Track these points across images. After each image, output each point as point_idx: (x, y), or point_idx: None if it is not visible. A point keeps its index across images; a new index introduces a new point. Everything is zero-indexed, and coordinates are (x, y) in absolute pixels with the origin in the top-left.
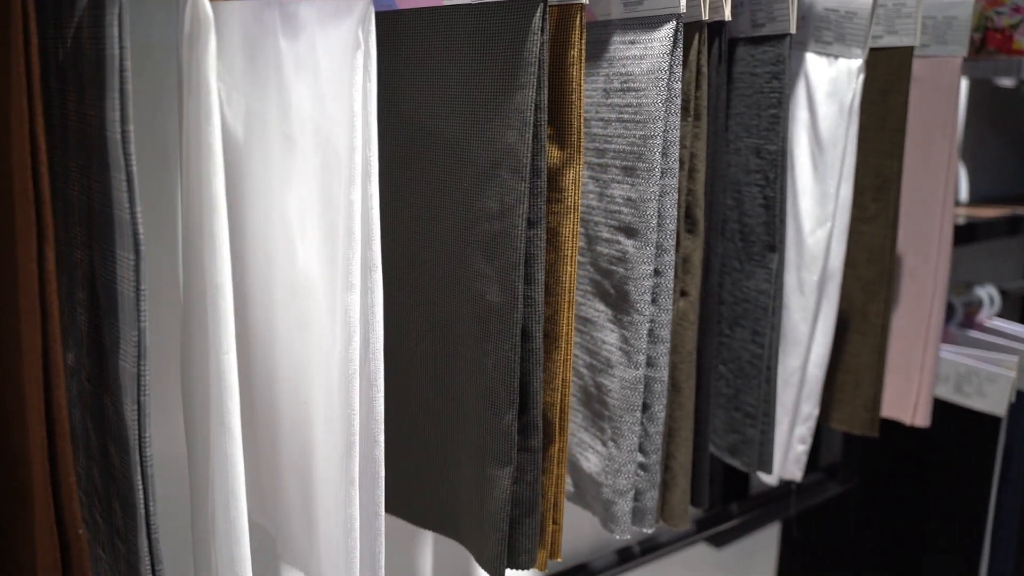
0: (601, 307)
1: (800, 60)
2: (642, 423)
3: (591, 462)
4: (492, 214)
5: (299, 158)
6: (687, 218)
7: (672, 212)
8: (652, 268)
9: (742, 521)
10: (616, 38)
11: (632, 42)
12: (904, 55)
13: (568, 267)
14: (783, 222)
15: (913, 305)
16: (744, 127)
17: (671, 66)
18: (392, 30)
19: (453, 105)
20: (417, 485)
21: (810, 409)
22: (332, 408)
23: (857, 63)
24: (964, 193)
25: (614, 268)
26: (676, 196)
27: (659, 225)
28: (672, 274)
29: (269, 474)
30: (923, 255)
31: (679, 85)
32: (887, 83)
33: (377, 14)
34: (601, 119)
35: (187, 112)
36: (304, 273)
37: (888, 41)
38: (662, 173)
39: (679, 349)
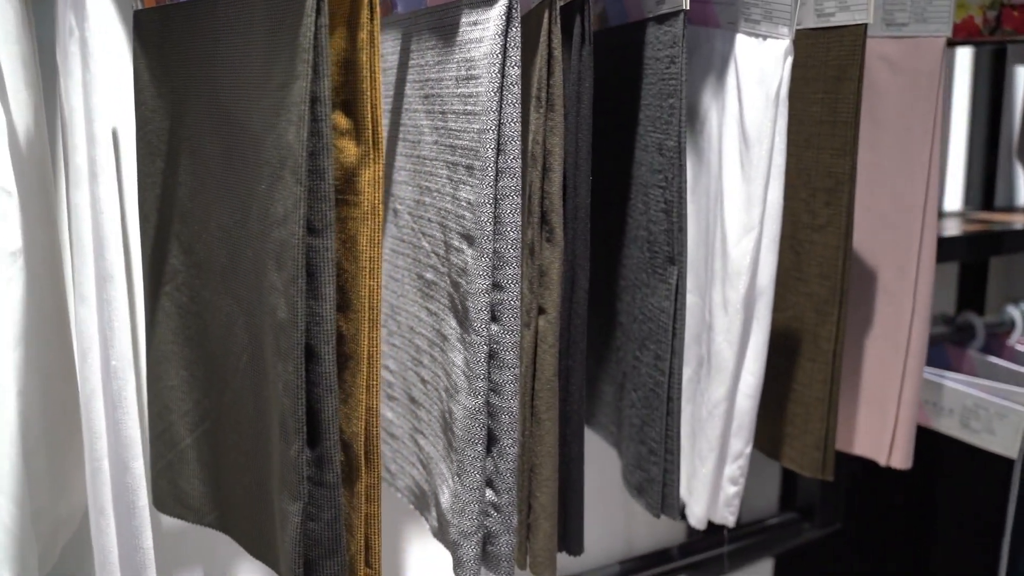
0: (453, 324)
1: (730, 42)
2: (491, 457)
3: (444, 497)
4: (279, 219)
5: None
6: (544, 225)
7: (514, 218)
8: (490, 282)
9: (729, 551)
10: (463, 19)
11: (474, 23)
12: (856, 34)
13: (370, 280)
14: (682, 230)
15: (889, 327)
16: (650, 120)
17: (505, 49)
18: (210, 13)
19: (253, 96)
20: (246, 509)
21: (741, 446)
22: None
23: (784, 44)
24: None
25: (459, 280)
26: (518, 200)
27: (497, 232)
28: (518, 289)
29: None
30: (900, 270)
31: (517, 71)
32: (840, 68)
33: None
34: (453, 111)
35: None
36: (37, 284)
37: (841, 18)
38: (499, 173)
39: (539, 375)
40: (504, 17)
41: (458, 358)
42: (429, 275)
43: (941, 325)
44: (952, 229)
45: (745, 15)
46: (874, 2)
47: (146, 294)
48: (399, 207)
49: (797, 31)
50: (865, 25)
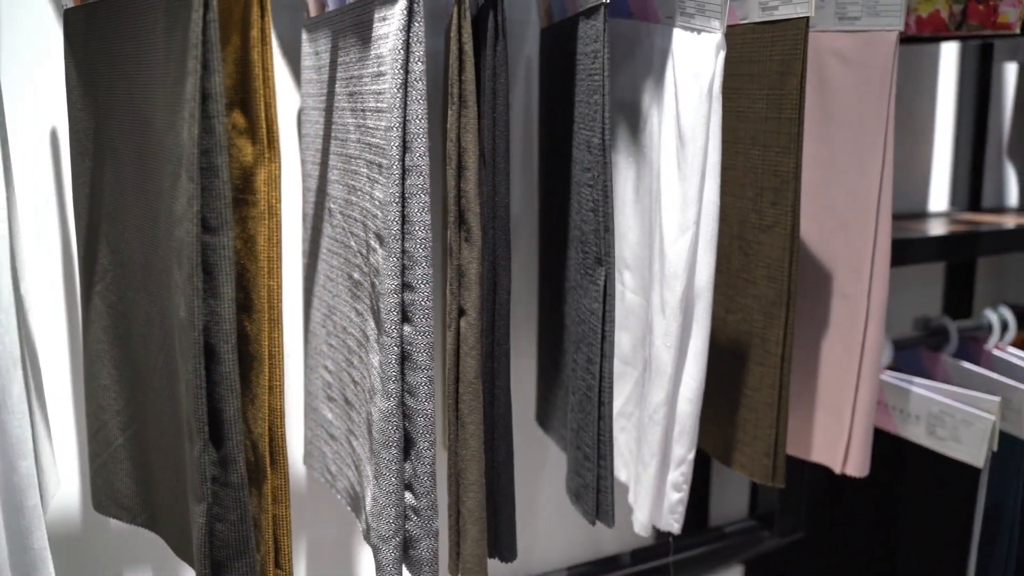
0: (372, 325)
1: (669, 37)
2: (409, 460)
3: (368, 500)
4: (178, 218)
5: None
6: (461, 224)
7: (423, 217)
8: (399, 282)
9: (698, 554)
10: (375, 15)
11: (383, 19)
12: (798, 28)
13: (269, 280)
14: (608, 230)
15: (844, 331)
16: (582, 117)
17: (408, 45)
18: (124, 11)
19: (157, 94)
20: (170, 509)
21: (683, 452)
22: None
23: (715, 38)
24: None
25: (375, 281)
26: (426, 198)
27: (407, 232)
28: (430, 290)
29: None
30: (855, 271)
31: (421, 67)
32: (784, 63)
33: None
34: (369, 109)
35: None
36: None
37: (784, 12)
38: (406, 171)
39: (462, 378)
40: (406, 12)
41: (375, 359)
42: (356, 275)
43: (919, 329)
44: (937, 229)
45: (681, 9)
46: None
47: (81, 293)
48: (333, 207)
49: (744, 25)
50: (807, 18)
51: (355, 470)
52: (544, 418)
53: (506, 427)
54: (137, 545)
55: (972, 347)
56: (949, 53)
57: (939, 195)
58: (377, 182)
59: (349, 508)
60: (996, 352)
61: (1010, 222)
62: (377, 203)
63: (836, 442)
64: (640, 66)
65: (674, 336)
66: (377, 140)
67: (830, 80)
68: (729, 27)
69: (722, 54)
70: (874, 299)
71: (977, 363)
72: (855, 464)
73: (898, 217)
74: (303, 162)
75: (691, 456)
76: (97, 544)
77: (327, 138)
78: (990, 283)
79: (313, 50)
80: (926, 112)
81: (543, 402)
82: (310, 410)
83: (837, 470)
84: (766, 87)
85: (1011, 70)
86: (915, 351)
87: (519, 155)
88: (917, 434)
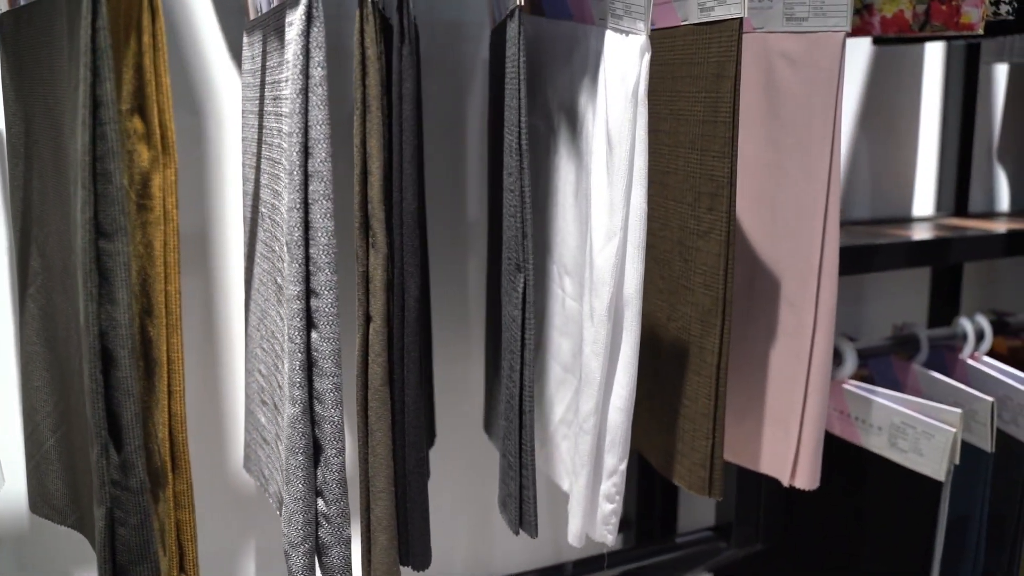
0: (286, 331)
1: (602, 40)
2: (319, 467)
3: (282, 506)
4: (77, 223)
5: None
6: (366, 230)
7: (326, 223)
8: (303, 288)
9: (660, 562)
10: (286, 19)
11: (290, 23)
12: (732, 29)
13: (167, 286)
14: (527, 236)
15: (791, 341)
16: (506, 121)
17: (308, 49)
18: (42, 17)
19: (64, 100)
20: (91, 512)
21: (615, 462)
22: None
23: (640, 40)
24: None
25: (283, 286)
26: (329, 204)
27: (310, 238)
28: (334, 296)
29: None
30: (802, 280)
31: (321, 71)
32: (719, 65)
33: None
34: (282, 113)
35: None
36: None
37: (719, 12)
38: (308, 177)
39: (370, 385)
40: (305, 17)
41: (285, 365)
42: (279, 280)
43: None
44: (921, 234)
45: (612, 11)
46: None
47: (19, 296)
48: (263, 211)
49: (684, 27)
50: (740, 19)
51: (281, 474)
52: (488, 426)
53: (416, 435)
54: (85, 546)
55: (948, 356)
56: (934, 53)
57: (924, 199)
58: (286, 188)
59: (279, 513)
60: (970, 362)
61: (1000, 227)
62: (284, 208)
63: (784, 454)
64: (577, 68)
65: (602, 344)
66: (284, 145)
67: (778, 82)
68: (670, 28)
69: (647, 57)
70: (822, 307)
71: (951, 373)
72: (804, 477)
73: (881, 222)
74: (243, 165)
75: (622, 467)
76: (43, 543)
77: (259, 142)
78: (979, 289)
79: (250, 53)
80: (910, 114)
81: (487, 410)
82: (248, 414)
83: (785, 483)
84: (703, 90)
85: (1000, 71)
86: (887, 359)
87: (476, 160)
88: (879, 445)
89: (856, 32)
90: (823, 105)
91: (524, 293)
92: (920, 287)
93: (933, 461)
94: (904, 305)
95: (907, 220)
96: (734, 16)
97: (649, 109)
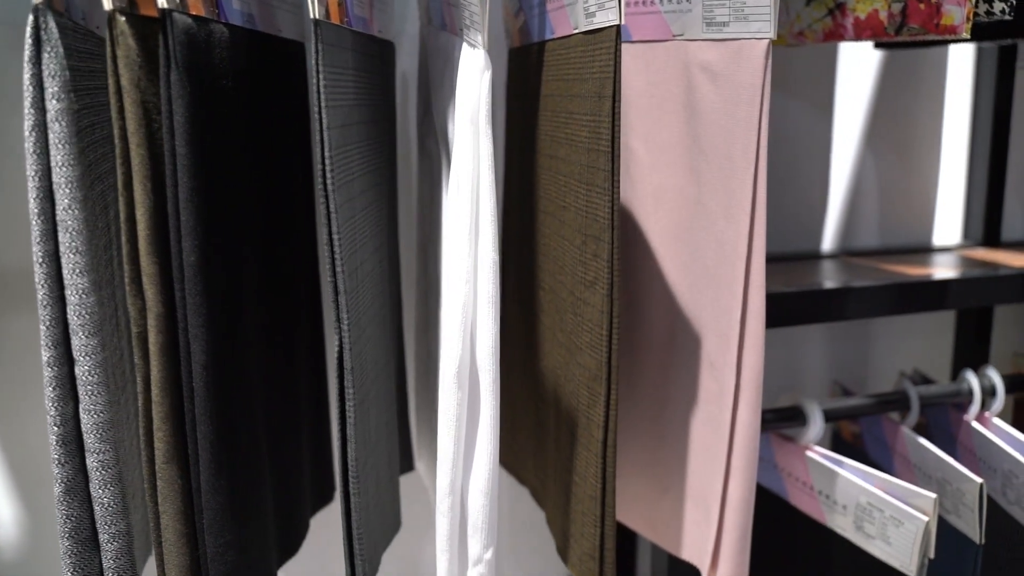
0: None
1: (460, 52)
2: (99, 553)
3: None
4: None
5: None
6: (137, 287)
7: (78, 280)
8: (53, 354)
9: None
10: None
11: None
12: (610, 39)
13: None
14: (340, 291)
15: (712, 409)
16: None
17: (39, 79)
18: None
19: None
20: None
21: (479, 550)
22: None
23: (480, 55)
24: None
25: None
26: (79, 259)
27: (63, 297)
28: (91, 363)
29: None
30: (723, 337)
31: (58, 104)
32: (600, 83)
33: None
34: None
35: None
36: None
37: (600, 19)
38: (55, 227)
39: (156, 459)
40: (32, 42)
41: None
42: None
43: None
44: (947, 270)
45: (462, 20)
46: None
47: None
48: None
49: (574, 36)
50: (617, 27)
51: None
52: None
53: (216, 517)
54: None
55: (953, 416)
56: (961, 59)
57: (949, 226)
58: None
59: None
60: (975, 425)
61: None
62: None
63: (704, 540)
64: (447, 87)
65: (452, 416)
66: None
67: (699, 102)
68: (563, 38)
69: (487, 75)
70: (746, 370)
71: (955, 436)
72: (727, 569)
73: (898, 252)
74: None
75: (488, 555)
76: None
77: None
78: (1014, 328)
79: None
80: (932, 129)
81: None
82: None
83: (705, 573)
84: (587, 111)
85: None
86: (878, 419)
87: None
88: (844, 526)
89: (828, 36)
90: (744, 128)
91: (340, 358)
92: (943, 327)
93: (902, 553)
94: (925, 347)
95: (926, 250)
96: (611, 23)
97: (547, 132)
